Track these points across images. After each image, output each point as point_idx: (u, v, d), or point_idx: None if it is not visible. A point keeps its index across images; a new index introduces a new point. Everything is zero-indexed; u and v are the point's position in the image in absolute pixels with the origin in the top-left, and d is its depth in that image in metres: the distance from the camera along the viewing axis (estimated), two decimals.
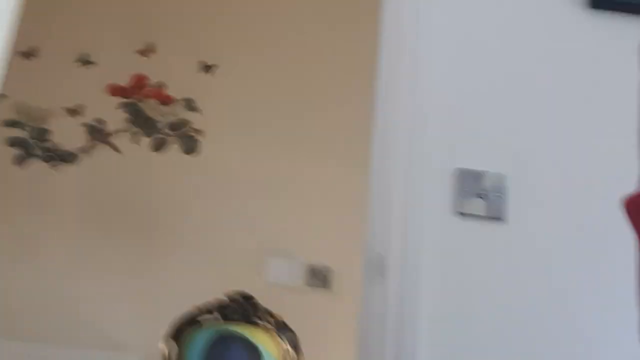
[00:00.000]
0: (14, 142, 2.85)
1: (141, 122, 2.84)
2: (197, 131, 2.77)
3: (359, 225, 2.76)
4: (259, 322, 2.42)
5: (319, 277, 2.70)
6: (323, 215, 2.73)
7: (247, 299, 2.46)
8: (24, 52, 2.96)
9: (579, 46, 1.37)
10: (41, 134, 2.87)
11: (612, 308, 1.17)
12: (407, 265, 1.19)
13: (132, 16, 3.13)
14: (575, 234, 1.21)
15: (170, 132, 2.76)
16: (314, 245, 2.71)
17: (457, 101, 1.29)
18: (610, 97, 1.31)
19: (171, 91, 2.92)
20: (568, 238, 1.21)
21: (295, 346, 2.35)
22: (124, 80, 2.97)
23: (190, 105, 2.84)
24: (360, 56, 2.79)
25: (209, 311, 2.42)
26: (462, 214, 1.19)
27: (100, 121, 2.88)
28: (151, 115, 2.84)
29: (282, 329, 2.40)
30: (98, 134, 2.85)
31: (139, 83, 2.93)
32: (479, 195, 1.20)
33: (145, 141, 2.78)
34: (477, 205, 1.20)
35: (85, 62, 2.99)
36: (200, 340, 2.35)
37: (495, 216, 1.20)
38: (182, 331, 2.34)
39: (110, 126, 2.88)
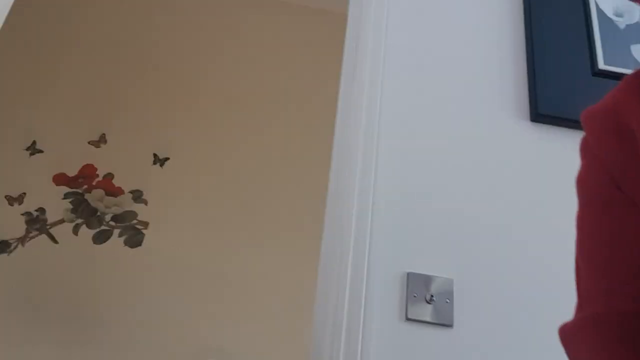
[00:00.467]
0: None
1: (85, 213, 2.76)
2: (143, 223, 2.70)
3: (310, 328, 2.71)
4: None
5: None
6: (270, 315, 2.65)
7: None
8: None
9: (521, 156, 1.43)
10: None
11: None
12: None
13: (85, 106, 3.12)
14: (521, 342, 1.20)
15: (115, 224, 2.68)
16: (261, 349, 2.61)
17: (404, 201, 1.31)
18: (552, 203, 1.35)
19: (120, 182, 2.88)
20: (514, 345, 1.20)
21: None
22: (73, 170, 2.92)
23: (137, 197, 2.79)
24: (313, 150, 2.85)
25: None
26: (410, 319, 1.18)
27: (41, 211, 2.79)
28: (96, 206, 2.77)
29: None
30: (37, 223, 2.75)
31: (88, 173, 2.88)
32: (427, 301, 1.19)
33: (86, 232, 2.69)
34: (425, 311, 1.18)
35: (35, 150, 2.94)
36: None
37: (443, 322, 1.18)
38: None
39: (52, 216, 2.80)
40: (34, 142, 2.97)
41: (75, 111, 3.11)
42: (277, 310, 2.61)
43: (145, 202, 2.76)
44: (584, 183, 0.69)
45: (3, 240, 2.73)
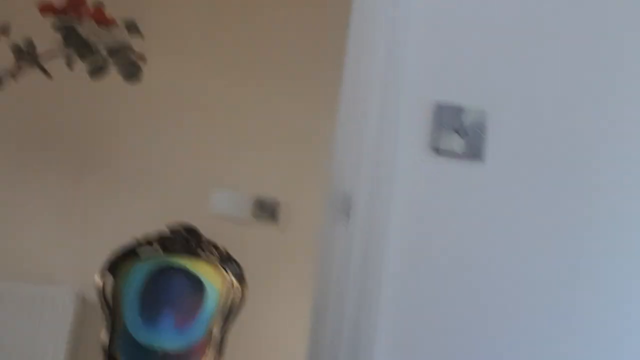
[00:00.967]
0: None
1: (77, 46, 2.65)
2: (139, 56, 2.61)
3: (311, 159, 2.77)
4: (202, 253, 2.39)
5: (266, 210, 2.67)
6: (274, 147, 2.67)
7: (190, 230, 2.41)
8: None
9: None
10: None
11: (588, 254, 1.20)
12: (376, 204, 1.16)
13: None
14: (556, 177, 1.23)
15: (109, 57, 2.59)
16: (262, 178, 2.67)
17: (439, 28, 1.26)
18: (588, 36, 1.31)
19: (111, 11, 2.74)
20: (547, 181, 1.22)
21: (240, 278, 2.33)
22: None
23: (131, 27, 2.67)
24: None
25: (149, 243, 2.35)
26: (438, 150, 1.19)
27: (29, 44, 2.67)
28: (88, 38, 2.65)
29: (226, 260, 2.38)
30: (27, 55, 2.64)
31: (76, 1, 2.72)
32: (457, 132, 1.20)
33: (81, 67, 2.59)
34: (455, 142, 1.19)
35: None
36: (138, 273, 2.29)
37: (473, 154, 1.20)
38: (119, 264, 2.27)
39: (42, 49, 2.68)
40: None
41: None
42: (281, 143, 2.64)
43: (141, 34, 2.65)
44: None
45: None
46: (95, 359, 2.19)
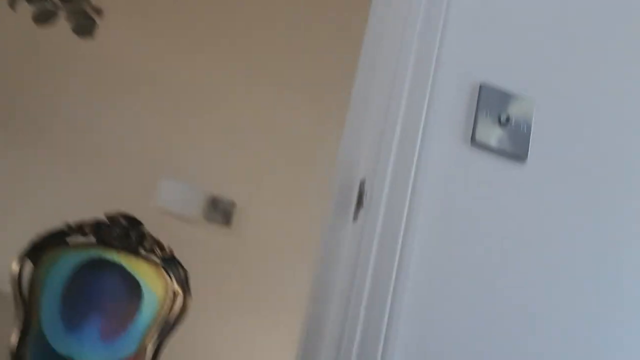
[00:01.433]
0: None
1: None
2: (95, 8, 2.24)
3: (276, 161, 2.48)
4: (143, 251, 2.04)
5: (219, 211, 2.35)
6: (238, 143, 2.36)
7: (131, 222, 2.06)
8: None
9: None
10: None
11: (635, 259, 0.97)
12: (393, 198, 0.90)
13: None
14: (609, 187, 0.98)
15: (61, 3, 2.19)
16: (219, 174, 2.35)
17: None
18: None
19: None
20: (597, 191, 0.98)
21: (184, 285, 2.00)
22: None
23: None
24: None
25: (81, 230, 1.99)
26: (474, 141, 0.92)
27: None
28: None
29: (170, 263, 2.04)
30: None
31: None
32: (500, 122, 0.93)
33: (26, 8, 2.17)
34: (495, 134, 0.93)
35: None
36: (64, 265, 1.92)
37: (516, 151, 0.93)
38: (43, 250, 1.90)
39: None
40: None
41: None
42: (243, 135, 2.31)
43: None
44: None
45: None
46: None
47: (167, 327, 1.90)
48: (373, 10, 1.03)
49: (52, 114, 2.16)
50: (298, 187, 2.38)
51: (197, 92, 2.32)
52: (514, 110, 0.94)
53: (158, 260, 1.99)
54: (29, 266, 1.86)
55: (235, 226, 2.32)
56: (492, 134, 0.93)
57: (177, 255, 2.02)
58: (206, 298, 2.08)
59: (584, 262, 0.95)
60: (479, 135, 0.91)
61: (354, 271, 0.88)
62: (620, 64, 1.04)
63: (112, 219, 2.03)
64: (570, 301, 0.93)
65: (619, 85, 1.03)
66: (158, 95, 2.29)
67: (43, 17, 2.11)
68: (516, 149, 0.94)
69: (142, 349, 1.87)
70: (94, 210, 2.01)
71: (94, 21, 2.14)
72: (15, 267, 1.81)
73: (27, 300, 1.80)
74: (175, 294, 1.94)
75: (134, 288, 1.95)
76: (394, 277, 0.86)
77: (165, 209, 2.24)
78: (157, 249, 2.02)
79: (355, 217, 0.92)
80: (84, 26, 2.11)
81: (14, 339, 1.76)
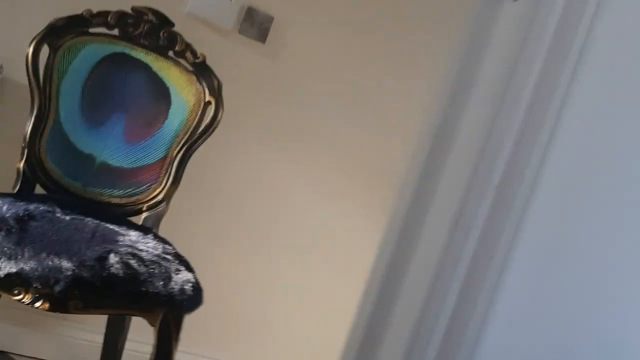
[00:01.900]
0: None
1: None
2: None
3: None
4: (172, 53, 1.83)
5: (255, 25, 2.11)
6: None
7: (162, 21, 1.83)
8: None
9: None
10: None
11: None
12: None
13: None
14: None
15: None
16: None
17: None
18: None
19: None
20: None
21: (217, 95, 1.82)
22: None
23: None
24: None
25: (106, 21, 1.76)
26: None
27: None
28: None
29: (202, 71, 1.85)
30: None
31: None
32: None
33: None
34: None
35: None
36: (87, 55, 1.69)
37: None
38: (61, 35, 1.68)
39: None
40: None
41: None
42: None
43: None
44: None
45: None
46: (8, 155, 1.66)
47: (196, 138, 1.74)
48: None
49: None
50: (345, 13, 2.16)
51: None
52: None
53: (189, 66, 1.79)
54: (45, 52, 1.65)
55: (271, 44, 2.10)
56: None
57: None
58: (232, 115, 1.91)
59: None
60: None
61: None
62: None
63: (140, 13, 1.80)
64: None
65: None
66: None
67: None
68: None
69: (168, 157, 1.73)
70: (118, 1, 1.78)
71: None
72: (31, 50, 1.60)
73: (43, 88, 1.62)
74: (206, 104, 1.77)
75: (162, 92, 1.76)
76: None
77: (196, 15, 2.01)
78: (189, 54, 1.82)
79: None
80: None
81: (28, 127, 1.59)
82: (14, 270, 1.15)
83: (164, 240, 1.50)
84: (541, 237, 0.94)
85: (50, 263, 1.17)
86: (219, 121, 1.76)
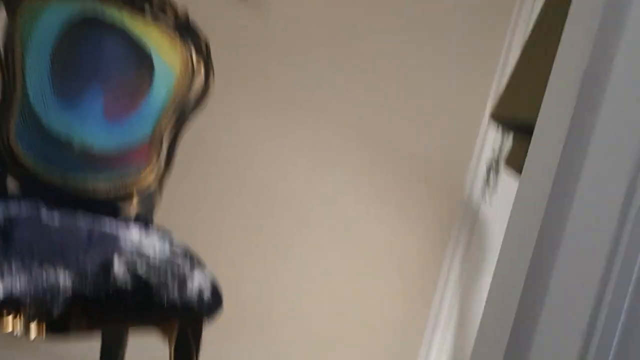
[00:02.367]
0: None
1: None
2: None
3: None
4: (151, 11, 1.59)
5: None
6: None
7: None
8: None
9: None
10: None
11: None
12: None
13: None
14: None
15: None
16: None
17: None
18: None
19: None
20: None
21: (206, 59, 1.60)
22: None
23: None
24: None
25: None
26: None
27: None
28: None
29: (186, 30, 1.61)
30: None
31: None
32: None
33: None
34: None
35: None
36: (50, 19, 1.44)
37: None
38: None
39: None
40: None
41: None
42: None
43: None
44: None
45: None
46: None
47: (187, 109, 1.52)
48: None
49: None
50: None
51: None
52: None
53: (171, 26, 1.55)
54: (2, 18, 1.39)
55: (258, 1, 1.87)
56: None
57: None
58: (222, 80, 1.69)
59: None
60: None
61: None
62: None
63: None
64: None
65: None
66: None
67: None
68: None
69: (157, 135, 1.50)
70: None
71: None
72: None
73: (5, 62, 1.36)
74: (194, 69, 1.54)
75: (142, 57, 1.52)
76: None
77: None
78: (169, 11, 1.58)
79: None
80: None
81: None
82: (0, 290, 0.94)
83: (166, 234, 1.30)
84: None
85: (44, 279, 0.96)
86: (211, 89, 1.54)
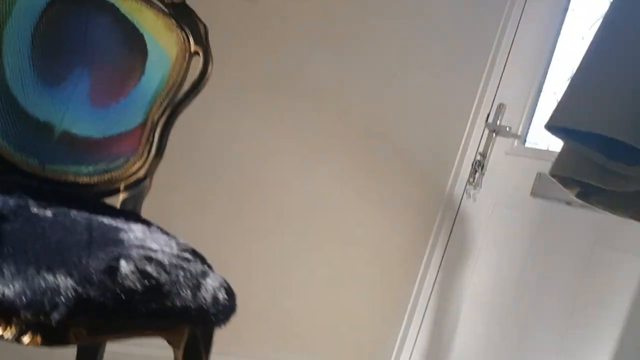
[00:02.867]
0: None
1: None
2: None
3: None
4: None
5: None
6: None
7: None
8: None
9: None
10: None
11: None
12: None
13: None
14: None
15: None
16: None
17: None
18: None
19: None
20: None
21: (204, 44, 1.48)
22: None
23: None
24: None
25: None
26: None
27: None
28: None
29: (183, 14, 1.49)
30: None
31: None
32: None
33: None
34: None
35: None
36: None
37: None
38: None
39: None
40: None
41: None
42: None
43: None
44: None
45: None
46: None
47: (181, 97, 1.40)
48: None
49: None
50: None
51: None
52: None
53: (167, 10, 1.43)
54: None
55: None
56: None
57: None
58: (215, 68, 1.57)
59: None
60: None
61: None
62: None
63: None
64: None
65: None
66: None
67: None
68: None
69: (149, 123, 1.37)
70: None
71: None
72: None
73: None
74: (192, 55, 1.42)
75: (135, 39, 1.39)
76: None
77: None
78: None
79: None
80: None
81: None
82: None
83: (164, 231, 1.18)
84: None
85: (42, 282, 0.83)
86: (209, 76, 1.42)
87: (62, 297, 0.83)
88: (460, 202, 2.26)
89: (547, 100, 2.12)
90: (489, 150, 2.22)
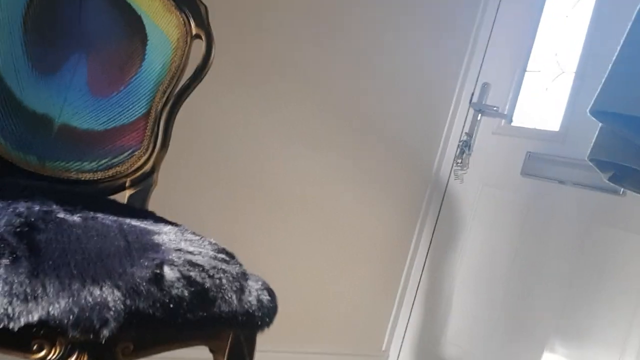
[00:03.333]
0: None
1: None
2: None
3: None
4: None
5: None
6: None
7: None
8: None
9: None
10: None
11: None
12: None
13: None
14: None
15: None
16: None
17: None
18: None
19: None
20: None
21: (206, 27, 1.38)
22: None
23: None
24: None
25: None
26: None
27: None
28: None
29: None
30: None
31: None
32: None
33: None
34: None
35: None
36: None
37: None
38: None
39: None
40: None
41: None
42: None
43: None
44: None
45: None
46: None
47: (185, 84, 1.31)
48: None
49: None
50: None
51: None
52: None
53: None
54: None
55: None
56: None
57: None
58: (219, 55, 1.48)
59: None
60: None
61: None
62: None
63: None
64: None
65: None
66: None
67: None
68: None
69: (153, 113, 1.28)
70: None
71: None
72: None
73: None
74: (193, 38, 1.33)
75: (132, 23, 1.29)
76: None
77: None
78: None
79: None
80: None
81: None
82: (35, 317, 0.73)
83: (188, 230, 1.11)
84: None
85: (89, 297, 0.75)
86: (212, 61, 1.34)
87: (111, 312, 0.76)
88: (447, 182, 2.25)
89: (532, 79, 2.12)
90: (475, 130, 2.21)
